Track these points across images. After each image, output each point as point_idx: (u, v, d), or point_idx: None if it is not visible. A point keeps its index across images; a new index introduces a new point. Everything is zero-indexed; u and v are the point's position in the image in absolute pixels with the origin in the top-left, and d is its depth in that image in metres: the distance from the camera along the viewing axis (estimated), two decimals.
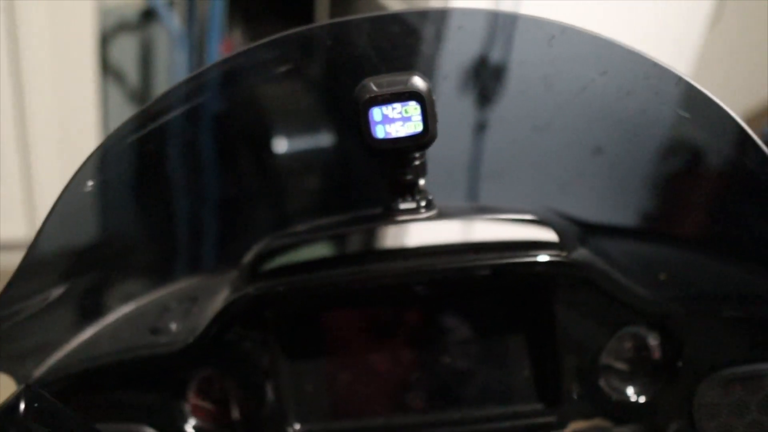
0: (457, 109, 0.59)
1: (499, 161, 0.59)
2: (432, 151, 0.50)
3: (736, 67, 2.33)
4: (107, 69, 1.96)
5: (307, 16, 1.88)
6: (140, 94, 2.02)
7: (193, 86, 0.57)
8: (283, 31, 0.53)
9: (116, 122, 0.53)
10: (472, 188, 0.63)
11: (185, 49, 1.67)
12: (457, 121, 0.59)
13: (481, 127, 0.58)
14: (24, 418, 0.36)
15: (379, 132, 0.44)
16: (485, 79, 0.55)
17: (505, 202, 0.59)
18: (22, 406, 0.36)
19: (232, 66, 0.58)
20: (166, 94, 0.56)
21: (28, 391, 0.37)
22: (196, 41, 1.70)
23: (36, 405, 0.37)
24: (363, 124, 0.44)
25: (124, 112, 1.94)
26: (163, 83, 1.99)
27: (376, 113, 0.44)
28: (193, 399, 0.59)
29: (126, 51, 1.96)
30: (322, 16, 1.86)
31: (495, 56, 0.54)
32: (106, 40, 1.92)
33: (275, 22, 2.07)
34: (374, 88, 0.43)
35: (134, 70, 1.99)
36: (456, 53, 0.56)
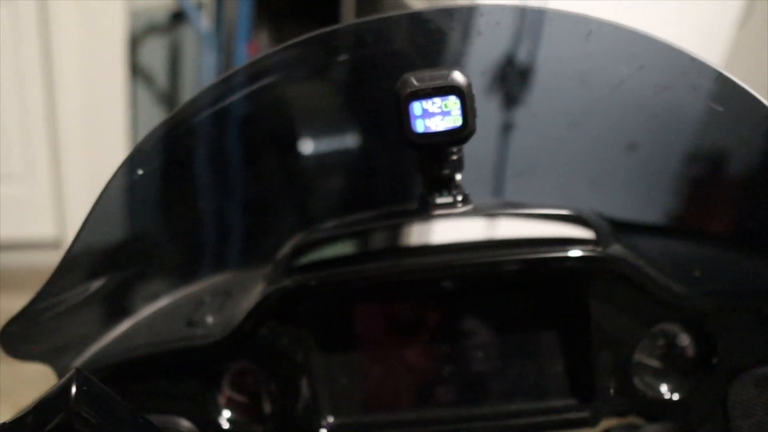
0: (492, 105, 0.59)
1: (535, 158, 0.59)
2: (468, 147, 0.51)
3: (765, 68, 2.31)
4: (136, 71, 1.99)
5: (333, 16, 1.89)
6: (168, 95, 2.05)
7: (222, 89, 0.58)
8: (308, 31, 0.53)
9: (145, 124, 0.55)
10: (507, 184, 0.63)
11: (213, 51, 1.69)
12: (492, 117, 0.60)
13: (516, 124, 0.58)
14: (75, 402, 0.37)
15: (419, 126, 0.45)
16: (521, 76, 0.56)
17: (539, 199, 0.59)
18: (74, 389, 0.37)
19: (261, 68, 0.58)
20: (197, 97, 0.58)
21: (78, 375, 0.38)
22: (223, 43, 1.72)
23: (86, 389, 0.37)
24: (403, 118, 0.45)
25: (152, 113, 1.97)
26: (191, 85, 2.02)
27: (417, 107, 0.44)
28: (227, 392, 0.60)
29: (155, 53, 1.99)
30: (348, 16, 1.87)
31: (529, 53, 0.54)
32: (135, 42, 1.95)
33: (301, 23, 2.09)
34: (415, 82, 0.44)
35: (163, 71, 2.02)
36: (490, 50, 0.56)
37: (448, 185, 0.49)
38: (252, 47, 1.98)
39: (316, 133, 0.72)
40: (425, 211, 0.49)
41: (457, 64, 0.54)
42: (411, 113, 0.44)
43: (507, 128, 0.60)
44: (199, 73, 1.91)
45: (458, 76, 0.44)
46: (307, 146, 0.71)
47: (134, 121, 1.88)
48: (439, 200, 0.50)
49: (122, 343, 0.63)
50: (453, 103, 0.44)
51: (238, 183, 0.70)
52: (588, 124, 0.56)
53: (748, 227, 0.57)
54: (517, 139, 0.60)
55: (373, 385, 0.59)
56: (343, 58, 0.59)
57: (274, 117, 0.67)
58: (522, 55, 0.54)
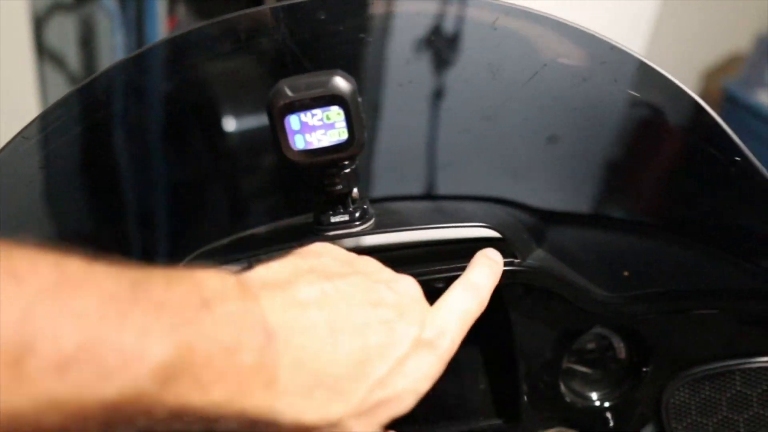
0: (405, 101, 0.53)
1: (452, 153, 0.54)
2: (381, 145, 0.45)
3: (693, 25, 2.30)
4: (44, 52, 1.85)
5: None
6: (82, 78, 1.92)
7: (122, 71, 0.51)
8: (229, 5, 0.47)
9: None
10: (425, 182, 0.57)
11: (122, 30, 1.58)
12: (407, 112, 0.54)
13: (427, 119, 0.52)
14: None
15: (299, 142, 0.38)
16: (427, 65, 0.50)
17: (461, 193, 0.54)
18: None
19: (164, 51, 0.52)
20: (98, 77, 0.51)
21: None
22: (133, 21, 1.60)
23: None
24: (279, 134, 0.38)
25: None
26: (106, 66, 1.89)
27: (294, 121, 0.38)
28: None
29: (64, 33, 1.85)
30: None
31: (433, 42, 0.48)
32: (40, 22, 1.81)
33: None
34: (289, 92, 0.37)
35: (74, 53, 1.89)
36: (395, 40, 0.50)
37: (343, 202, 0.43)
38: (170, 23, 1.86)
39: (212, 128, 0.64)
40: (319, 232, 0.43)
41: (361, 56, 0.48)
42: (288, 128, 0.38)
43: (422, 123, 0.54)
44: (113, 55, 1.79)
45: (340, 83, 0.37)
46: (202, 142, 0.63)
47: (45, 105, 1.75)
48: (334, 219, 0.44)
49: None
50: (336, 114, 0.37)
51: (129, 179, 0.62)
52: (503, 116, 0.51)
53: (674, 222, 0.53)
54: (433, 133, 0.54)
55: None
56: (254, 45, 0.52)
57: (171, 105, 0.60)
58: (425, 45, 0.48)
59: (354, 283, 0.36)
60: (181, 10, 1.97)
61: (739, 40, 2.45)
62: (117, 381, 0.25)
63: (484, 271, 0.42)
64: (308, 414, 0.32)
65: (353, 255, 0.39)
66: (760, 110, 2.09)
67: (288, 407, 0.31)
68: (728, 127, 0.45)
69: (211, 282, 0.30)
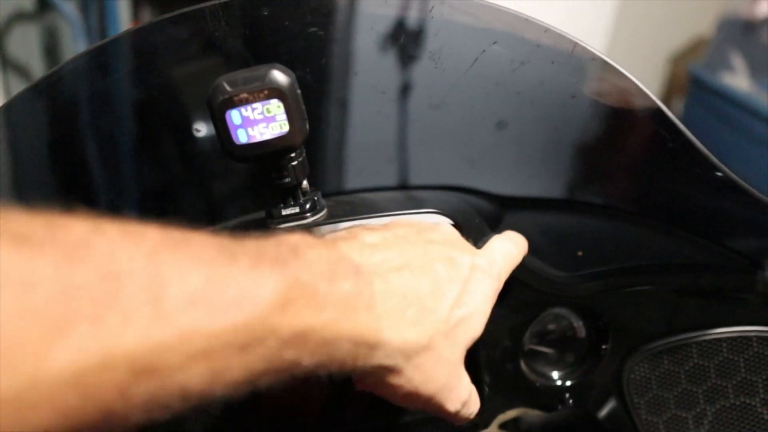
0: (350, 93, 0.53)
1: (401, 144, 0.54)
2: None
3: (657, 10, 2.33)
4: (7, 62, 1.83)
5: None
6: None
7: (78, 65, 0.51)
8: (192, 6, 0.47)
9: None
10: (377, 174, 0.58)
11: (83, 37, 1.56)
12: (351, 105, 0.54)
13: (375, 111, 0.53)
14: None
15: (242, 137, 0.39)
16: (371, 57, 0.50)
17: (414, 183, 0.54)
18: None
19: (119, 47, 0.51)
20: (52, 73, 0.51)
21: None
22: (95, 28, 1.59)
23: None
24: (221, 130, 0.38)
25: None
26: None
27: (235, 116, 0.38)
28: None
29: (27, 42, 1.83)
30: None
31: (375, 33, 0.49)
32: (2, 32, 1.79)
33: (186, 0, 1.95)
34: (228, 88, 0.37)
35: (37, 62, 1.87)
36: (340, 33, 0.50)
37: (293, 194, 0.44)
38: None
39: (161, 121, 0.64)
40: (270, 225, 0.44)
41: (312, 49, 0.48)
42: (230, 123, 0.38)
43: (371, 115, 0.55)
44: None
45: (277, 76, 0.37)
46: (153, 134, 0.63)
47: None
48: (285, 211, 0.44)
49: None
50: (276, 107, 0.38)
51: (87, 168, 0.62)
52: (450, 105, 0.51)
53: (625, 201, 0.54)
54: (382, 125, 0.55)
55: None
56: (204, 41, 0.52)
57: (118, 106, 0.59)
58: (371, 37, 0.49)
59: (404, 231, 0.41)
60: (146, 13, 1.96)
61: (702, 24, 2.49)
62: (243, 309, 0.28)
63: (518, 234, 0.47)
64: (407, 332, 0.36)
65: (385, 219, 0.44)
66: (726, 92, 2.12)
67: (389, 327, 0.35)
68: (694, 108, 0.46)
69: (292, 238, 0.33)
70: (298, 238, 0.33)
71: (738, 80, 2.14)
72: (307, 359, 0.31)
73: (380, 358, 0.35)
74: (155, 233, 0.27)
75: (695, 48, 2.57)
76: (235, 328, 0.27)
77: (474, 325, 0.40)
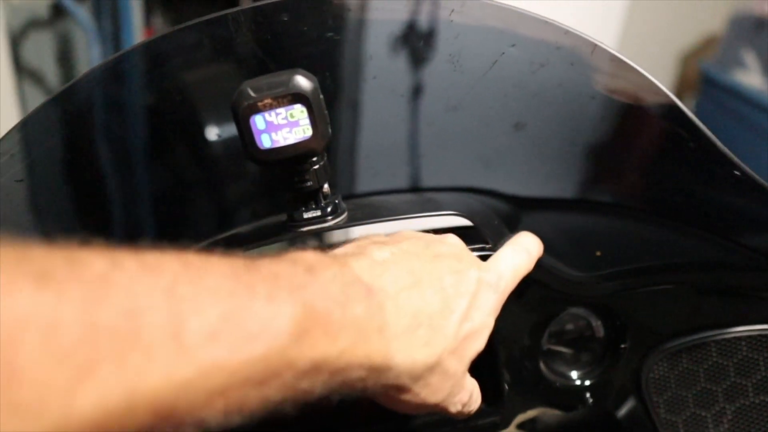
0: (367, 96, 0.54)
1: (418, 147, 0.55)
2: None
3: (668, 8, 2.32)
4: (22, 69, 1.85)
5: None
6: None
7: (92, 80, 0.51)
8: (206, 13, 0.48)
9: None
10: (396, 177, 0.58)
11: (98, 44, 1.58)
12: (369, 109, 0.55)
13: (394, 114, 0.53)
14: None
15: (265, 141, 0.39)
16: (389, 60, 0.51)
17: (432, 185, 0.55)
18: None
19: (134, 60, 0.52)
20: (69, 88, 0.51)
21: None
22: (109, 35, 1.60)
23: None
24: (245, 135, 0.39)
25: None
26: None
27: (259, 121, 0.39)
28: None
29: (41, 49, 1.85)
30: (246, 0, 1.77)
31: (394, 37, 0.49)
32: (17, 39, 1.81)
33: (198, 6, 1.97)
34: (252, 93, 0.38)
35: (52, 69, 1.88)
36: (359, 38, 0.51)
37: (315, 198, 0.44)
38: (148, 34, 1.86)
39: (192, 127, 0.65)
40: (292, 228, 0.44)
41: (334, 54, 0.49)
42: (254, 128, 0.39)
43: (389, 118, 0.55)
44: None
45: (301, 81, 0.38)
46: (173, 144, 0.64)
47: None
48: (307, 215, 0.45)
49: None
50: (299, 111, 0.39)
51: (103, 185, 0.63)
52: (468, 108, 0.52)
53: (642, 201, 0.54)
54: (401, 128, 0.55)
55: None
56: (226, 48, 0.52)
57: (141, 113, 0.60)
58: (390, 40, 0.49)
59: (412, 245, 0.41)
60: (158, 20, 1.97)
61: (714, 21, 2.47)
62: (262, 341, 0.28)
63: (532, 239, 0.47)
64: (417, 354, 0.36)
65: (393, 231, 0.44)
66: (738, 89, 2.11)
67: (399, 350, 0.35)
68: (706, 106, 0.47)
69: (306, 256, 0.34)
70: (312, 258, 0.34)
71: (750, 78, 2.13)
72: (320, 387, 0.32)
73: (389, 379, 0.36)
74: (173, 264, 0.27)
75: (707, 45, 2.56)
76: (253, 362, 0.28)
77: (480, 339, 0.41)
